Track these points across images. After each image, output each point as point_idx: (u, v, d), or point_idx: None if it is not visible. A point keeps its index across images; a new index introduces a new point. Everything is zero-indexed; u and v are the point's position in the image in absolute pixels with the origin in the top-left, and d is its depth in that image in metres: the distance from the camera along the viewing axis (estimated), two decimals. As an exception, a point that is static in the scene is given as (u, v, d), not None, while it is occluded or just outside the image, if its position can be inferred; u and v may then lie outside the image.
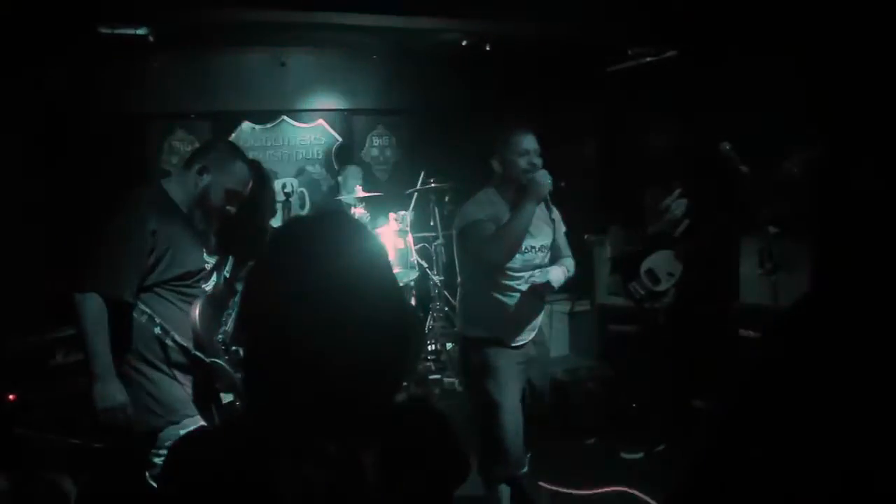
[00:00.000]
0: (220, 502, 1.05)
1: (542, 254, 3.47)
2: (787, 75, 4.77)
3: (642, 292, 4.33)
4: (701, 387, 4.36)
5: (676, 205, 4.24)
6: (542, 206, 3.36)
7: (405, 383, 1.06)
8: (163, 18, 5.11)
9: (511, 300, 3.41)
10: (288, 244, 1.16)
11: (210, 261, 2.89)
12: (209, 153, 2.81)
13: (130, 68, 6.03)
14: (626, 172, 4.85)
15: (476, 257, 3.34)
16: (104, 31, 5.00)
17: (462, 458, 1.26)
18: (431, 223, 6.41)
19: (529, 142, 3.38)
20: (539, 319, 3.56)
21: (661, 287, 4.25)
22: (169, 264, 2.67)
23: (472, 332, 3.50)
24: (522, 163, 3.34)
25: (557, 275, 3.44)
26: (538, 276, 3.40)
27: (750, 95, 4.86)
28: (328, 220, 1.24)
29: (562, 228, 3.64)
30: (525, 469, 3.50)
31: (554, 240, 3.55)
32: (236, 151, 2.87)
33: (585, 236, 5.42)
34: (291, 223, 1.30)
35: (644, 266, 4.29)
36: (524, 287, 3.40)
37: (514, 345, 3.44)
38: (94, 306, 2.51)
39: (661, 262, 4.27)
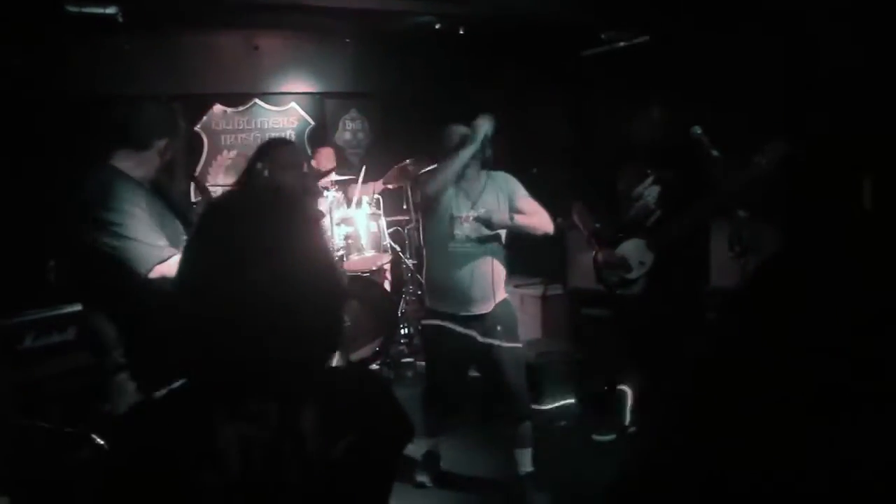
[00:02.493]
0: (164, 466, 1.10)
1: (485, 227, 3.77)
2: (759, 61, 4.81)
3: (614, 279, 4.32)
4: (670, 370, 4.41)
5: (649, 192, 4.22)
6: (490, 178, 3.79)
7: (338, 345, 1.18)
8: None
9: (452, 269, 3.75)
10: (220, 214, 1.22)
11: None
12: (167, 128, 2.78)
13: (99, 49, 5.92)
14: (600, 157, 4.81)
15: (419, 198, 3.85)
16: (71, 9, 4.89)
17: (403, 419, 1.30)
18: (405, 207, 6.41)
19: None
20: (486, 293, 3.80)
21: (633, 275, 4.24)
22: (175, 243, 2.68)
23: (428, 302, 3.99)
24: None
25: (500, 215, 3.71)
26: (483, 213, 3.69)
27: (722, 81, 4.90)
28: (258, 193, 1.33)
29: (520, 193, 3.86)
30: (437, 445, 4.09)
31: (513, 208, 3.79)
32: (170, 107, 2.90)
33: (558, 220, 5.43)
34: (224, 195, 1.37)
35: (617, 253, 4.31)
36: (469, 254, 3.73)
37: (459, 314, 3.79)
38: (167, 268, 2.50)
39: (633, 251, 4.24)
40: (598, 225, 4.45)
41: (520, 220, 3.75)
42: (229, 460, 1.09)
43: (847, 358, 0.68)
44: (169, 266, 2.49)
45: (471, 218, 3.71)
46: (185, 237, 2.83)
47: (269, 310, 1.11)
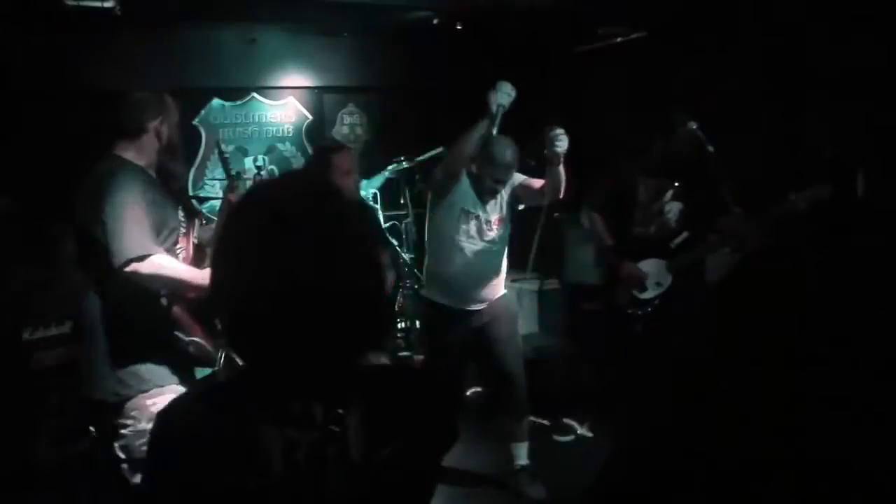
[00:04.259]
0: (207, 466, 1.07)
1: (497, 227, 3.79)
2: (757, 59, 4.82)
3: (625, 298, 4.10)
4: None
5: (670, 207, 4.03)
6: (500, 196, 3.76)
7: (380, 343, 1.12)
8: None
9: (456, 264, 3.75)
10: (257, 208, 1.15)
11: (183, 220, 2.88)
12: (157, 107, 2.81)
13: (96, 43, 5.91)
14: (621, 165, 4.52)
15: (435, 180, 3.74)
16: (69, 2, 4.89)
17: (448, 422, 1.28)
18: (402, 201, 6.42)
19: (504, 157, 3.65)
20: (487, 291, 3.83)
21: (646, 295, 4.03)
22: (169, 232, 2.70)
23: (425, 292, 3.98)
24: (490, 171, 3.65)
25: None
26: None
27: (717, 80, 4.90)
28: (295, 182, 1.24)
29: (523, 178, 3.84)
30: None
31: (524, 190, 3.81)
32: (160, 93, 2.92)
33: (556, 214, 5.43)
34: (258, 187, 1.30)
35: (640, 268, 4.08)
36: (474, 251, 3.74)
37: (460, 308, 3.81)
38: (159, 259, 2.51)
39: (651, 271, 4.03)
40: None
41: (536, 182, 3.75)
42: (272, 463, 1.06)
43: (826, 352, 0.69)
44: (146, 265, 2.49)
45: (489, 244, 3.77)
46: (183, 225, 2.85)
47: (312, 306, 1.08)
